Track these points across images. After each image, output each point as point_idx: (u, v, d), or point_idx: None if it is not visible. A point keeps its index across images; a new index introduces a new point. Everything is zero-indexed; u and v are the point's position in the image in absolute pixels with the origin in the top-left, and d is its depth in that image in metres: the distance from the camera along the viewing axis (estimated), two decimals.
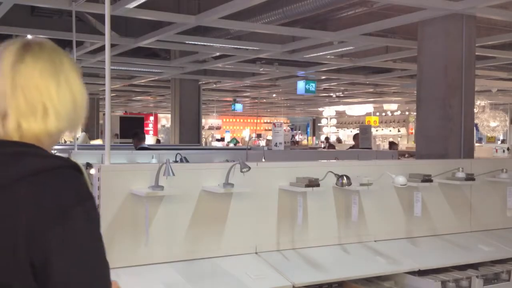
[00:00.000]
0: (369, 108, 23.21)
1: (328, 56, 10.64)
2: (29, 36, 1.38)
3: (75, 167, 1.25)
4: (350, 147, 11.31)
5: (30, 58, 1.23)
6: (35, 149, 1.21)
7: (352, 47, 9.38)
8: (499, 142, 21.58)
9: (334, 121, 27.79)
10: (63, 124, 1.28)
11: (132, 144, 9.45)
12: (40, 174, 1.16)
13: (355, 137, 10.91)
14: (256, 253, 3.57)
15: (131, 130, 19.02)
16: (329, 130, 27.38)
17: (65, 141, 20.98)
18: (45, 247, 1.11)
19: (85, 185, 1.23)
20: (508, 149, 18.50)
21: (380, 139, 24.31)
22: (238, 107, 20.66)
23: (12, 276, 1.11)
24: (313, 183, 3.62)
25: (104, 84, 6.35)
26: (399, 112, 24.40)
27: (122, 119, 20.41)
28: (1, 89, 1.21)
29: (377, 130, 24.25)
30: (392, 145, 10.06)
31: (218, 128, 30.01)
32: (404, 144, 22.60)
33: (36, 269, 1.11)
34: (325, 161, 6.05)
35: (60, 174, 1.20)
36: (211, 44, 9.39)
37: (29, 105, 1.20)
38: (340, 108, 25.04)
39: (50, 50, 1.28)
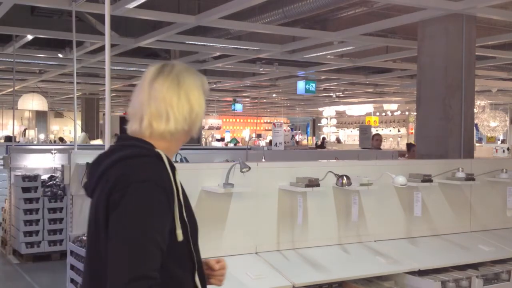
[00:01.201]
0: (369, 108, 23.19)
1: (328, 56, 10.64)
2: (172, 62, 1.79)
3: (158, 156, 1.64)
4: (363, 148, 11.01)
5: (161, 77, 1.70)
6: (139, 143, 1.67)
7: (352, 47, 9.38)
8: (499, 142, 21.58)
9: (334, 121, 27.78)
10: (181, 125, 1.70)
11: None
12: (127, 159, 1.61)
13: (372, 137, 10.72)
14: (256, 253, 3.57)
15: None
16: (329, 130, 27.37)
17: (65, 141, 20.99)
18: (112, 206, 1.56)
19: (155, 169, 1.61)
20: (508, 149, 18.49)
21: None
22: (238, 107, 20.65)
23: (100, 234, 1.60)
24: (313, 183, 3.62)
25: (104, 84, 6.35)
26: (399, 112, 24.38)
27: (122, 119, 20.43)
28: (141, 100, 1.69)
29: (377, 130, 24.23)
30: (411, 146, 9.43)
31: (218, 128, 29.99)
32: (404, 144, 22.59)
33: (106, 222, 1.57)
34: (325, 161, 6.06)
35: (142, 159, 1.61)
36: (211, 44, 9.38)
37: (158, 112, 1.67)
38: (340, 108, 25.02)
39: (177, 71, 1.72)
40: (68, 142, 18.04)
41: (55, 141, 19.75)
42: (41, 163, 7.95)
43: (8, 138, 14.17)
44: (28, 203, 7.32)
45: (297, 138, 23.47)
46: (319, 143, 23.01)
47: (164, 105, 1.67)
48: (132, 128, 1.71)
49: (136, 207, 1.53)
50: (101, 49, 9.60)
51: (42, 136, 21.79)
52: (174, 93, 1.69)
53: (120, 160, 1.61)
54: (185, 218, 1.69)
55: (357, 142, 20.29)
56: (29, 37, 8.79)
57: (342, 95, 19.81)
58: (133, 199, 1.54)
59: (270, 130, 11.85)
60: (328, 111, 26.25)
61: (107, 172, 1.62)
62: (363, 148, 10.79)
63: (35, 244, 7.32)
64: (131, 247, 1.49)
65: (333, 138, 27.14)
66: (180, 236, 1.62)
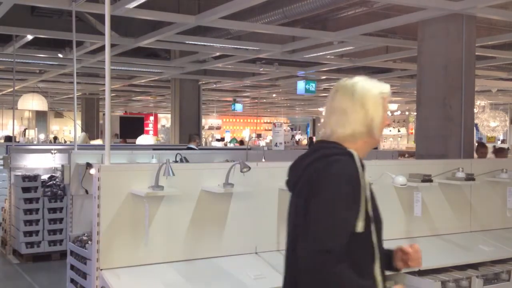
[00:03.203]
0: None
1: (328, 56, 10.64)
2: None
3: (349, 154, 1.95)
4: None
5: (341, 91, 2.04)
6: (332, 145, 2.00)
7: (352, 47, 9.38)
8: (499, 142, 21.58)
9: None
10: (358, 129, 2.00)
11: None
12: (329, 156, 1.94)
13: (477, 149, 9.01)
14: (256, 253, 3.57)
15: (131, 130, 19.08)
16: None
17: (65, 141, 20.97)
18: (311, 192, 1.90)
19: (347, 166, 1.90)
20: (508, 149, 18.47)
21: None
22: (238, 107, 20.65)
23: (303, 217, 1.91)
24: None
25: (104, 84, 6.35)
26: (399, 112, 24.39)
27: (122, 119, 20.46)
28: (327, 110, 2.06)
29: None
30: (481, 147, 8.50)
31: (218, 128, 30.00)
32: (404, 144, 22.60)
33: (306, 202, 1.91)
34: None
35: (337, 157, 1.93)
36: (211, 44, 9.38)
37: (337, 119, 2.01)
38: None
39: (355, 87, 2.02)
40: (68, 142, 18.04)
41: (51, 141, 19.75)
42: (41, 163, 7.95)
43: (8, 138, 14.18)
44: (28, 203, 7.32)
45: (297, 138, 23.45)
46: (304, 142, 23.13)
47: (340, 113, 2.00)
48: (324, 133, 2.07)
49: (330, 196, 1.85)
50: (101, 49, 9.60)
51: (42, 136, 21.79)
52: (349, 102, 2.00)
53: (321, 157, 1.95)
54: (370, 212, 1.93)
55: None
56: (29, 37, 8.79)
57: None
58: (328, 188, 1.87)
59: (270, 130, 11.84)
60: None
61: (309, 166, 1.97)
62: None
63: (35, 244, 7.32)
64: (323, 226, 1.82)
65: None
66: (360, 227, 1.87)
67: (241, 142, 22.79)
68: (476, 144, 8.73)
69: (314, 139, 24.78)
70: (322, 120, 2.13)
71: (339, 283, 1.79)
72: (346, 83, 2.04)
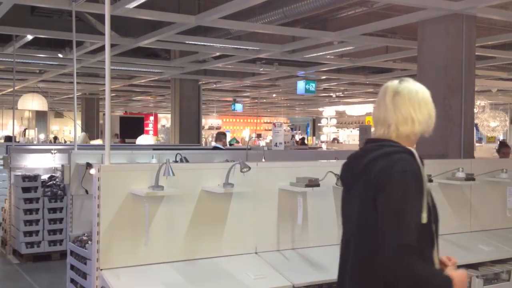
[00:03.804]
0: (369, 108, 23.21)
1: (328, 56, 10.64)
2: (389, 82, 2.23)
3: (410, 152, 2.09)
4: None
5: (402, 91, 2.15)
6: (391, 143, 2.12)
7: (352, 47, 9.38)
8: (499, 142, 21.55)
9: (334, 121, 27.77)
10: (422, 127, 2.15)
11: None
12: (391, 154, 2.05)
13: (499, 150, 8.91)
14: (256, 253, 3.56)
15: (131, 130, 19.06)
16: (329, 130, 27.37)
17: (65, 141, 20.94)
18: (379, 190, 2.01)
19: (410, 162, 2.04)
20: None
21: None
22: (238, 107, 20.65)
23: (369, 213, 2.03)
24: (313, 183, 3.62)
25: (104, 84, 6.35)
26: None
27: (122, 119, 20.45)
28: (386, 110, 2.14)
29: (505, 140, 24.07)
30: (503, 147, 8.58)
31: (218, 128, 30.00)
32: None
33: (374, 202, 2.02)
34: (325, 161, 6.05)
35: (399, 155, 2.05)
36: (211, 44, 9.38)
37: (403, 118, 2.12)
38: (340, 108, 25.02)
39: (416, 89, 2.17)
40: (68, 142, 18.04)
41: (51, 141, 19.75)
42: (41, 163, 7.95)
43: (8, 138, 14.17)
44: (28, 203, 7.32)
45: (296, 138, 23.45)
46: (321, 143, 23.10)
47: (408, 112, 2.12)
48: (379, 132, 2.18)
49: (400, 192, 1.97)
50: (101, 49, 9.60)
51: (42, 136, 21.79)
52: (415, 102, 2.13)
53: (382, 156, 2.06)
54: (430, 203, 2.07)
55: (357, 142, 20.28)
56: (29, 37, 8.80)
57: (342, 95, 19.81)
58: (397, 186, 1.98)
59: (270, 130, 11.83)
60: (328, 111, 26.25)
61: (369, 165, 2.07)
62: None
63: (35, 244, 7.32)
64: (398, 222, 1.93)
65: (338, 139, 27.14)
66: (424, 219, 2.00)
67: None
68: (498, 143, 8.52)
69: (320, 139, 24.75)
70: (375, 119, 2.22)
71: (419, 274, 1.92)
72: (408, 85, 2.17)
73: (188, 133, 13.96)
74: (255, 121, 30.89)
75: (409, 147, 2.13)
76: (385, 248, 1.93)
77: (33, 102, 12.94)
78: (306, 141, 22.42)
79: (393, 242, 1.93)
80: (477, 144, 15.47)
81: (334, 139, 26.38)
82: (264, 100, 22.51)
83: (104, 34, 3.56)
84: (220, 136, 9.39)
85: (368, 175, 2.06)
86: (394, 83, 2.19)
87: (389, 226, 1.95)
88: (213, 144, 9.40)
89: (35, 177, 7.41)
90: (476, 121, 14.18)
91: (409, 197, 1.98)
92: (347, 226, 2.21)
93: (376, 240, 1.99)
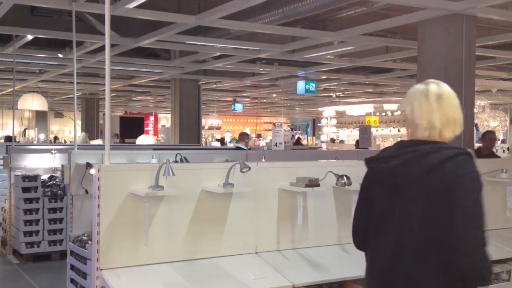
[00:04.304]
0: (369, 108, 23.21)
1: (328, 56, 10.64)
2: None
3: (468, 154, 2.16)
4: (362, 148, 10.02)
5: (444, 95, 2.24)
6: (446, 145, 2.20)
7: (352, 47, 9.38)
8: (499, 142, 21.58)
9: (334, 121, 27.78)
10: (461, 129, 2.24)
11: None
12: (455, 157, 2.12)
13: (484, 136, 8.56)
14: (256, 253, 3.56)
15: (131, 130, 19.06)
16: (329, 130, 27.39)
17: (65, 141, 20.92)
18: (452, 189, 2.07)
19: (473, 163, 2.13)
20: (508, 149, 18.50)
21: (380, 139, 24.30)
22: (238, 107, 20.65)
23: (438, 211, 2.10)
24: (313, 183, 3.62)
25: (104, 84, 6.35)
26: (399, 112, 24.38)
27: (122, 119, 20.44)
28: (431, 113, 2.21)
29: (377, 130, 24.23)
30: (489, 133, 8.29)
31: (218, 128, 30.02)
32: None
33: (445, 202, 2.09)
34: (325, 161, 6.05)
35: (462, 157, 2.13)
36: (211, 44, 9.39)
37: (448, 120, 2.21)
38: (340, 108, 25.03)
39: (450, 92, 2.27)
40: (68, 142, 18.04)
41: (51, 141, 19.75)
42: (41, 163, 7.94)
43: (8, 138, 14.17)
44: (28, 203, 7.32)
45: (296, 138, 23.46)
46: (304, 142, 23.23)
47: (452, 114, 2.21)
48: (423, 134, 2.22)
49: (474, 192, 2.07)
50: (101, 49, 9.60)
51: (42, 136, 21.79)
52: (457, 106, 2.24)
53: (447, 159, 2.12)
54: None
55: (354, 142, 20.26)
56: (29, 37, 8.80)
57: (342, 95, 19.81)
58: (469, 186, 2.08)
59: (270, 130, 11.83)
60: (328, 111, 26.25)
61: (435, 168, 2.12)
62: (362, 148, 10.79)
63: (35, 244, 7.31)
64: (476, 222, 2.04)
65: (338, 139, 27.15)
66: None
67: (222, 141, 22.82)
68: (482, 133, 8.26)
69: (321, 139, 24.74)
70: (418, 122, 2.24)
71: (490, 267, 2.11)
72: (447, 89, 2.27)
73: (188, 133, 13.96)
74: (255, 121, 30.90)
75: (468, 149, 2.24)
76: (467, 249, 2.03)
77: (33, 102, 12.94)
78: (301, 141, 22.38)
79: (476, 244, 2.03)
80: (477, 144, 15.46)
81: (332, 139, 26.40)
82: (264, 100, 22.51)
83: (104, 34, 3.56)
84: (243, 136, 9.37)
85: (438, 177, 2.11)
86: (432, 86, 2.26)
87: (469, 228, 2.04)
88: (231, 144, 9.38)
89: (35, 177, 7.41)
90: (476, 121, 14.19)
91: (480, 197, 2.09)
92: (400, 223, 2.20)
93: (444, 236, 2.08)
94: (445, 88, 2.27)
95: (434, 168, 2.12)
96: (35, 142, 17.92)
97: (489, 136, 7.87)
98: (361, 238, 2.39)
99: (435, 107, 2.20)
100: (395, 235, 2.21)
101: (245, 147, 8.80)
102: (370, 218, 2.31)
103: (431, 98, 2.22)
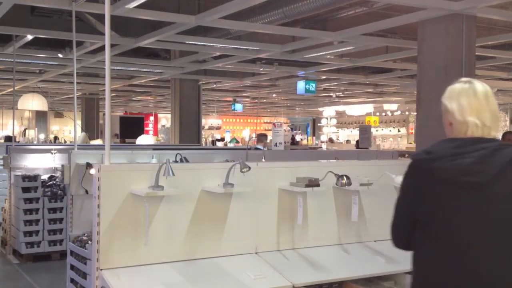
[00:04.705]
0: (369, 108, 23.20)
1: (328, 56, 10.64)
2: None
3: None
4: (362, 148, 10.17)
5: (489, 93, 2.25)
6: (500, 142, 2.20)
7: (352, 47, 9.38)
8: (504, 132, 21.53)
9: (334, 121, 27.77)
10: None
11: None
12: None
13: (503, 137, 8.56)
14: (256, 253, 3.57)
15: (131, 130, 19.06)
16: (329, 130, 27.38)
17: (65, 141, 20.93)
18: None
19: None
20: None
21: (380, 139, 24.29)
22: (238, 107, 20.64)
23: None
24: (313, 183, 3.62)
25: (104, 84, 6.35)
26: (399, 112, 24.38)
27: (122, 119, 20.43)
28: (483, 111, 2.21)
29: (377, 130, 24.24)
30: (509, 134, 8.45)
31: (218, 128, 30.01)
32: (404, 144, 22.59)
33: None
34: (325, 161, 6.05)
35: None
36: (211, 44, 9.38)
37: (497, 119, 2.25)
38: (340, 108, 25.02)
39: (491, 91, 2.29)
40: (68, 142, 18.03)
41: (51, 141, 19.74)
42: (41, 163, 7.94)
43: (8, 138, 14.18)
44: (28, 203, 7.32)
45: (296, 138, 23.45)
46: (320, 143, 23.13)
47: (497, 113, 2.27)
48: (476, 132, 2.20)
49: None
50: (101, 49, 9.60)
51: (42, 136, 21.79)
52: (497, 104, 2.29)
53: None
54: None
55: (353, 142, 20.26)
56: (29, 37, 8.80)
57: (342, 95, 19.81)
58: None
59: (270, 130, 11.86)
60: (328, 111, 26.24)
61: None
62: (362, 148, 10.79)
63: (35, 244, 7.31)
64: None
65: (338, 139, 27.13)
66: None
67: (213, 142, 22.73)
68: (502, 134, 8.38)
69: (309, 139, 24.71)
70: (472, 119, 2.23)
71: None
72: (486, 87, 2.29)
73: (188, 133, 13.96)
74: (255, 121, 30.89)
75: None
76: None
77: (33, 102, 12.93)
78: (296, 141, 22.27)
79: None
80: None
81: (330, 139, 26.39)
82: (264, 100, 22.51)
83: (104, 34, 3.56)
84: (261, 137, 9.36)
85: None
86: (477, 84, 2.28)
87: None
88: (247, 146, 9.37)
89: (35, 177, 7.41)
90: None
91: None
92: (498, 223, 2.10)
93: None
94: (487, 86, 2.30)
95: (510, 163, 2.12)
96: (35, 142, 17.91)
97: (508, 137, 8.14)
98: (405, 242, 2.40)
99: (484, 105, 2.22)
100: (468, 239, 2.08)
101: (263, 148, 8.80)
102: (420, 220, 2.21)
103: (480, 96, 2.23)
